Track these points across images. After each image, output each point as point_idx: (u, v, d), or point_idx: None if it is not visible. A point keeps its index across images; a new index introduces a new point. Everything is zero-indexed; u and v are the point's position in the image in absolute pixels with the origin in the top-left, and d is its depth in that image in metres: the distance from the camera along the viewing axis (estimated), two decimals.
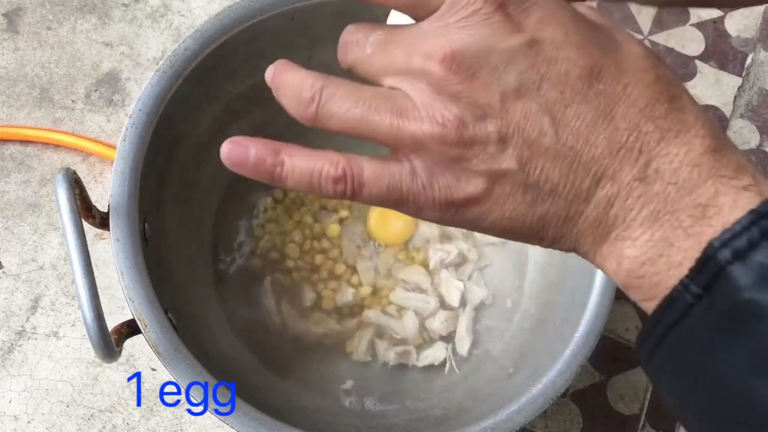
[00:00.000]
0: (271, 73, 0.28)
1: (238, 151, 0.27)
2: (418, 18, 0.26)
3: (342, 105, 0.26)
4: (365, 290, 0.58)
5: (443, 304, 0.58)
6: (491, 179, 0.25)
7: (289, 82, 0.27)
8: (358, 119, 0.26)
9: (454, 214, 0.27)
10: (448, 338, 0.57)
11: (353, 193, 0.26)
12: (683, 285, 0.24)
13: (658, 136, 0.25)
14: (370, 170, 0.26)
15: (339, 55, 0.28)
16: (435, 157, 0.26)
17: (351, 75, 0.28)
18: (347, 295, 0.57)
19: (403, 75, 0.26)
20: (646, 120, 0.25)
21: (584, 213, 0.26)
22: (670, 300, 0.25)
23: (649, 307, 0.26)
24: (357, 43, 0.27)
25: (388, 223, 0.60)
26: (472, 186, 0.26)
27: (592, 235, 0.26)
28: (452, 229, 0.60)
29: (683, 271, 0.24)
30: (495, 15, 0.24)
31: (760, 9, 0.73)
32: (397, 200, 0.26)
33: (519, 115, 0.25)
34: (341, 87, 0.26)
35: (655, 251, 0.25)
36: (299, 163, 0.27)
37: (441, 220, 0.27)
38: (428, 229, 0.60)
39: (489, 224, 0.27)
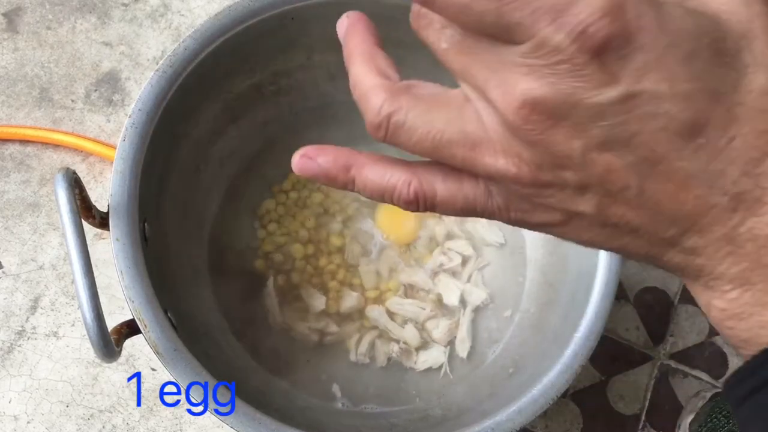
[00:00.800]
0: (343, 33, 0.26)
1: (308, 167, 0.26)
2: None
3: (411, 137, 0.24)
4: (370, 293, 0.58)
5: (442, 306, 0.58)
6: (567, 215, 0.24)
7: (358, 85, 0.25)
8: (430, 150, 0.24)
9: (529, 228, 0.26)
10: (449, 342, 0.57)
11: (426, 210, 0.26)
12: None
13: (758, 195, 0.22)
14: (443, 192, 0.25)
15: (411, 20, 0.25)
16: (509, 189, 0.24)
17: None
18: (351, 298, 0.57)
19: (478, 94, 0.23)
20: (746, 177, 0.22)
21: (666, 255, 0.24)
22: (767, 354, 0.23)
23: (742, 354, 0.24)
24: (431, 25, 0.24)
25: (396, 221, 0.60)
26: (548, 216, 0.25)
27: (677, 271, 0.25)
28: (455, 229, 0.60)
29: None
30: (588, 66, 0.21)
31: None
32: (470, 215, 0.26)
33: (601, 169, 0.22)
34: (410, 114, 0.24)
35: (746, 309, 0.23)
36: (371, 181, 0.26)
37: (515, 226, 0.26)
38: (433, 231, 0.60)
39: (567, 239, 0.26)
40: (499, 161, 0.23)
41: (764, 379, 0.23)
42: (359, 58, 0.25)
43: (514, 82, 0.22)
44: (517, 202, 0.25)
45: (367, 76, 0.25)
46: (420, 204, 0.25)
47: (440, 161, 0.24)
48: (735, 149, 0.22)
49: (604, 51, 0.20)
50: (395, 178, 0.25)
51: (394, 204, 0.26)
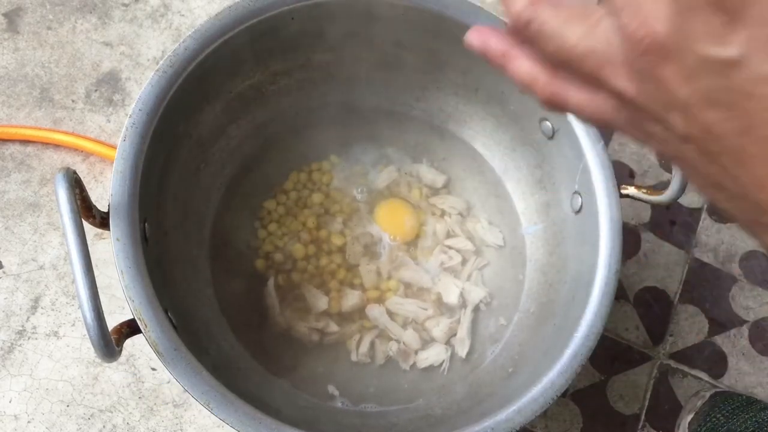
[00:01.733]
0: None
1: (475, 44, 0.29)
2: None
3: (547, 45, 0.26)
4: (370, 293, 0.58)
5: (442, 305, 0.58)
6: (674, 151, 0.25)
7: None
8: (563, 61, 0.26)
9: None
10: (448, 341, 0.57)
11: (560, 111, 0.28)
12: None
13: None
14: (575, 99, 0.27)
15: None
16: (633, 109, 0.25)
17: None
18: (353, 297, 0.57)
19: (614, 16, 0.24)
20: None
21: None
22: None
23: None
24: None
25: (396, 220, 0.60)
26: (662, 146, 0.26)
27: None
28: (456, 228, 0.60)
29: None
30: (711, 16, 0.21)
31: None
32: (599, 124, 0.28)
33: (702, 126, 0.23)
34: (547, 23, 0.26)
35: None
36: (519, 72, 0.28)
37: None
38: (434, 230, 0.60)
39: (690, 178, 0.26)
40: (620, 82, 0.24)
41: None
42: None
43: (646, 12, 0.22)
44: (639, 124, 0.25)
45: None
46: (553, 105, 0.28)
47: (572, 67, 0.26)
48: None
49: (723, 7, 0.21)
50: (537, 76, 0.28)
51: (531, 95, 0.28)
